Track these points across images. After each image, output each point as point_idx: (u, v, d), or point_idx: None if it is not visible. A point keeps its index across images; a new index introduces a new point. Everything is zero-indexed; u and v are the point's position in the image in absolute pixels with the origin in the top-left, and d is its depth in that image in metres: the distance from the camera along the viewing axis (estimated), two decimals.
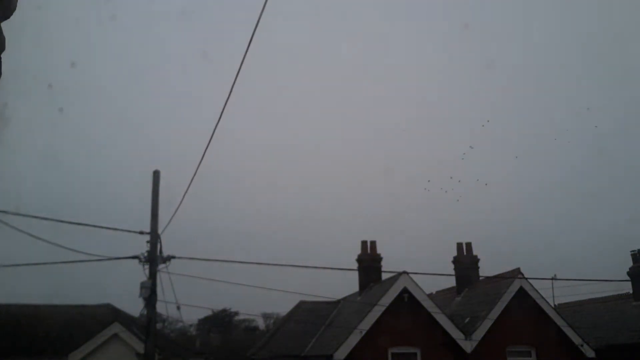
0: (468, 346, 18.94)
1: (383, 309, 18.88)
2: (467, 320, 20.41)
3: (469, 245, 23.87)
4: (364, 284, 23.25)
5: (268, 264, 16.22)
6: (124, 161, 67.15)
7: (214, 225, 69.24)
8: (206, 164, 13.25)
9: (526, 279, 20.20)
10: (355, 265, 23.68)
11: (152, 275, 14.30)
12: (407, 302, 19.30)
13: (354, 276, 23.83)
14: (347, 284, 29.98)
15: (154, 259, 14.41)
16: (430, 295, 21.23)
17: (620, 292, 26.05)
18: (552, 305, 22.47)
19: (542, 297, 20.47)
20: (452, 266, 23.90)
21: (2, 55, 2.27)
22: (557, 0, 64.94)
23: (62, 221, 13.17)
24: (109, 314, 23.43)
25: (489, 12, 62.50)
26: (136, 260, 14.36)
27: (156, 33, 67.60)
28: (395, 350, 19.16)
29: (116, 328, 20.63)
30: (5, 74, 2.32)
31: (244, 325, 56.08)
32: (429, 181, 55.03)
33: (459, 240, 23.96)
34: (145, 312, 14.52)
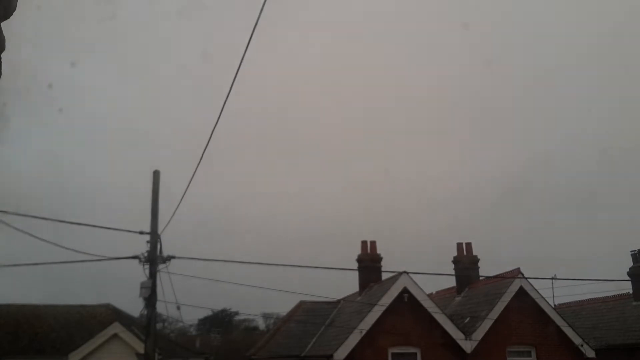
0: (468, 346, 18.93)
1: (383, 309, 18.87)
2: (467, 320, 20.40)
3: (469, 245, 23.86)
4: (364, 284, 23.23)
5: (268, 264, 16.22)
6: (124, 161, 67.23)
7: (214, 225, 69.31)
8: (206, 163, 13.25)
9: (526, 278, 20.19)
10: (355, 265, 23.67)
11: (152, 275, 14.29)
12: (407, 302, 19.29)
13: (354, 276, 23.83)
14: (347, 284, 29.99)
15: (154, 259, 14.40)
16: (430, 295, 21.22)
17: (620, 292, 26.08)
18: (552, 305, 22.46)
19: (542, 297, 20.46)
20: (452, 266, 23.90)
21: (2, 55, 2.27)
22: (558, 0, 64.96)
23: (62, 221, 13.16)
24: (109, 314, 23.42)
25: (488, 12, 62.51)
26: (136, 260, 14.34)
27: (156, 33, 67.64)
28: (395, 350, 19.15)
29: (116, 328, 20.61)
30: (5, 74, 2.32)
31: (244, 325, 56.10)
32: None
33: (459, 240, 24.01)
34: (145, 312, 14.51)
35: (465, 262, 23.56)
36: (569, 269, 51.89)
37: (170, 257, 14.58)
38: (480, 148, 66.60)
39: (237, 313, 53.99)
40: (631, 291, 25.22)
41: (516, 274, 20.41)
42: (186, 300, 16.56)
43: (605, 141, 59.29)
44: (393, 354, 19.10)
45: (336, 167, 77.73)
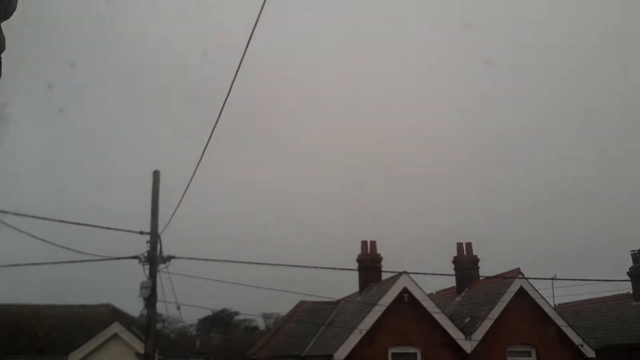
0: (468, 346, 18.93)
1: (383, 309, 18.87)
2: (467, 320, 20.40)
3: (469, 245, 23.85)
4: (364, 284, 23.23)
5: (268, 264, 16.23)
6: (124, 161, 67.24)
7: (214, 225, 69.33)
8: (206, 164, 13.26)
9: (526, 279, 20.18)
10: (355, 265, 23.67)
11: (152, 275, 14.29)
12: (407, 302, 19.28)
13: (354, 276, 23.82)
14: (347, 284, 29.97)
15: (154, 259, 14.40)
16: (430, 295, 21.22)
17: (620, 292, 26.10)
18: (552, 305, 22.45)
19: (542, 297, 20.46)
20: (452, 266, 23.89)
21: (2, 55, 2.27)
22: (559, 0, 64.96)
23: (62, 221, 13.16)
24: (109, 314, 23.42)
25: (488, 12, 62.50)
26: (136, 260, 14.35)
27: (156, 33, 67.58)
28: (395, 350, 19.15)
29: (116, 328, 20.61)
30: (5, 74, 2.32)
31: (244, 325, 56.15)
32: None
33: (459, 240, 24.00)
34: (145, 312, 14.52)
35: (465, 262, 23.55)
36: (569, 269, 51.91)
37: (170, 257, 14.59)
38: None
39: (237, 313, 54.15)
40: (631, 291, 25.23)
41: (516, 274, 20.40)
42: (186, 300, 16.57)
43: (605, 141, 59.30)
44: (393, 354, 19.10)
45: (336, 167, 77.77)
